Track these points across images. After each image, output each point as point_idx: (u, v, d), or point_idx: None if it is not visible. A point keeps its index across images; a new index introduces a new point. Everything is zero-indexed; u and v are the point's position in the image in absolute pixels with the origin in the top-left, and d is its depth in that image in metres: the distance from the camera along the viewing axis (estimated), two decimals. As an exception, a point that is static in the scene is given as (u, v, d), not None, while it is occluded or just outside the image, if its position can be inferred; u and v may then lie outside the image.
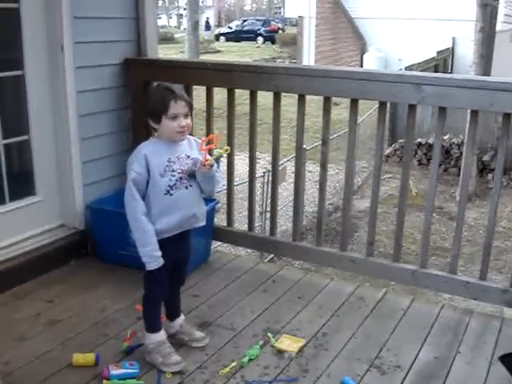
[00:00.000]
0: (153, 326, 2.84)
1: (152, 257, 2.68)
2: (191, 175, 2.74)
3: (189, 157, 2.75)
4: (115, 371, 2.69)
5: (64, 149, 3.80)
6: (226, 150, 2.79)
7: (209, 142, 2.81)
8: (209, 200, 3.09)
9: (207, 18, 39.56)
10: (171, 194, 2.69)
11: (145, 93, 3.97)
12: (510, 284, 3.30)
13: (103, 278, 3.66)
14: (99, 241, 3.86)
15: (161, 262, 2.69)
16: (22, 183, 3.80)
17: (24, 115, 3.67)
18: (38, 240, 3.75)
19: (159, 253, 2.68)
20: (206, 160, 2.67)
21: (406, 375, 2.81)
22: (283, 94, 3.66)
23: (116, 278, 3.63)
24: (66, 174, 3.84)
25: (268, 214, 5.04)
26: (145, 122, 2.76)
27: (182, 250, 2.87)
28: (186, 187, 2.73)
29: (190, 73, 3.90)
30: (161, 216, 2.69)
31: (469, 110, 3.30)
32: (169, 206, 2.70)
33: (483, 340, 3.12)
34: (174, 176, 2.69)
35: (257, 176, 4.26)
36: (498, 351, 2.96)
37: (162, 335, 2.84)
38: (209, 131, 3.90)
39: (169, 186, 2.68)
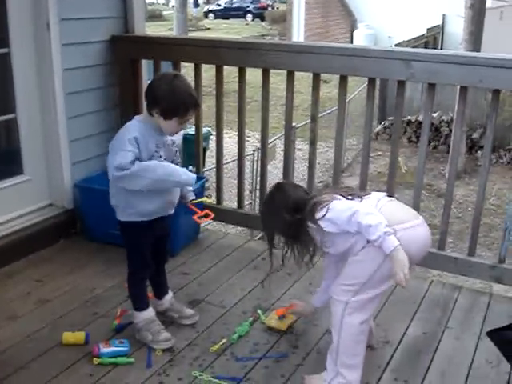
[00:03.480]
0: (140, 304, 2.84)
1: (184, 172, 2.66)
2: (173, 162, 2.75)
3: (174, 143, 2.76)
4: (105, 349, 2.70)
5: (51, 127, 3.77)
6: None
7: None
8: (198, 178, 3.07)
9: (196, -6, 39.11)
10: None
11: (132, 69, 3.95)
12: (498, 260, 3.32)
13: (92, 257, 3.66)
14: (88, 219, 3.85)
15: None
16: (9, 162, 3.78)
17: (10, 94, 3.63)
18: (26, 219, 3.73)
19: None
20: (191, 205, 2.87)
21: (395, 350, 2.84)
22: (272, 70, 3.64)
23: (105, 256, 3.63)
24: (53, 153, 3.82)
25: (258, 192, 5.03)
26: (148, 108, 2.62)
27: (161, 229, 2.83)
28: None
29: (178, 50, 3.86)
30: (143, 199, 2.65)
31: (458, 87, 3.29)
32: (152, 190, 2.64)
33: (472, 316, 3.15)
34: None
35: (246, 154, 4.25)
36: (486, 327, 2.98)
37: (150, 313, 2.85)
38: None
39: None
